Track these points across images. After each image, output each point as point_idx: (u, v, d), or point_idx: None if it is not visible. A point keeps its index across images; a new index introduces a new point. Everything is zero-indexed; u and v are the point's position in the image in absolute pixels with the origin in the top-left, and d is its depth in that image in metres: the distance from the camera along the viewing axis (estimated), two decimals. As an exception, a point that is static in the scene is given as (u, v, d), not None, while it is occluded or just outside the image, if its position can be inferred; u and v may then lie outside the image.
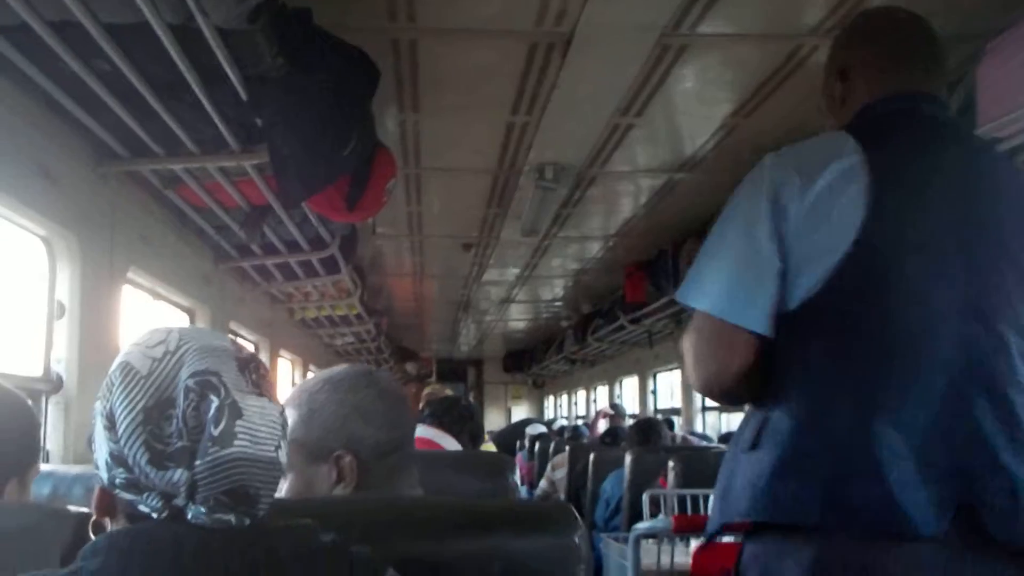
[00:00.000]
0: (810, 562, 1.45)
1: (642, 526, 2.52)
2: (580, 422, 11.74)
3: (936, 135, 1.68)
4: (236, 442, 0.97)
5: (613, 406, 9.89)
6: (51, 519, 1.26)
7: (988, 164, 1.69)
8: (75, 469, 2.48)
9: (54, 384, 3.24)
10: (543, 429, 9.99)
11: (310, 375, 3.34)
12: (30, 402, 3.00)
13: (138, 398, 1.01)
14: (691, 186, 5.46)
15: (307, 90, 2.76)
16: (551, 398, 18.63)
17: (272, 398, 1.05)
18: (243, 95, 2.82)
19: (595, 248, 7.43)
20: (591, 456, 5.73)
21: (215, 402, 0.99)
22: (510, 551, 1.26)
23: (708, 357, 1.61)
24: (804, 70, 3.63)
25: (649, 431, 5.10)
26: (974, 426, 1.43)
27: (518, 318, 12.56)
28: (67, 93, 2.83)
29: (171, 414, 0.99)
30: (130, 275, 3.93)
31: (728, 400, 1.77)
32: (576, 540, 1.28)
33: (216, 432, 0.97)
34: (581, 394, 15.50)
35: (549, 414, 17.97)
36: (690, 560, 2.64)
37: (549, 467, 6.50)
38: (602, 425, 8.87)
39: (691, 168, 5.09)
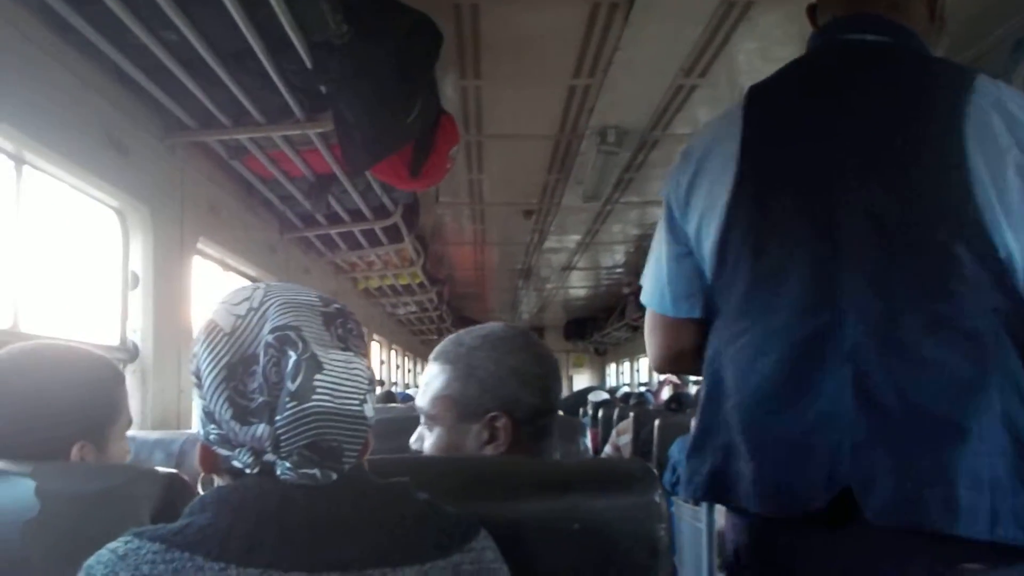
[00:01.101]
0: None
1: (717, 488, 2.50)
2: (643, 389, 11.69)
3: (851, 62, 1.56)
4: (314, 396, 0.97)
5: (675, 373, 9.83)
6: (141, 479, 1.28)
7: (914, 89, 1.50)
8: (155, 434, 2.54)
9: (131, 353, 3.32)
10: (606, 396, 9.97)
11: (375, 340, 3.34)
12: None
13: (221, 355, 1.01)
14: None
15: (371, 56, 2.76)
16: (613, 366, 18.60)
17: (360, 352, 1.05)
18: (308, 62, 2.83)
19: (657, 213, 7.32)
20: (656, 422, 5.70)
21: (293, 357, 0.99)
22: (589, 510, 1.24)
23: (653, 343, 1.71)
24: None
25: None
26: (843, 401, 1.39)
27: (579, 285, 12.53)
28: (136, 65, 2.87)
29: (254, 370, 1.00)
30: (199, 245, 3.99)
31: (685, 373, 1.86)
32: (656, 498, 1.26)
33: (293, 387, 0.97)
34: (643, 361, 15.44)
35: (611, 382, 17.95)
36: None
37: (614, 433, 6.49)
38: (666, 392, 8.83)
39: (755, 130, 4.99)
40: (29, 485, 1.26)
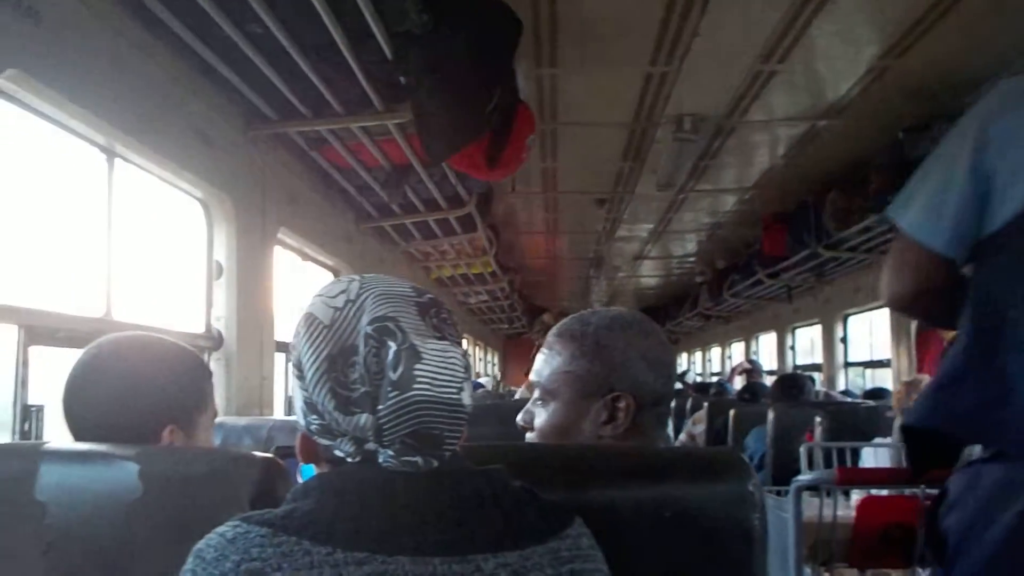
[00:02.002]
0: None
1: (804, 478, 2.47)
2: (715, 379, 11.59)
3: None
4: (415, 385, 0.99)
5: (750, 362, 9.73)
6: (239, 464, 1.30)
7: None
8: (243, 420, 2.60)
9: (215, 341, 3.39)
10: (679, 386, 9.91)
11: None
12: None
13: (322, 347, 1.03)
14: (834, 134, 5.26)
15: (451, 46, 2.78)
16: (684, 355, 18.45)
17: (455, 341, 1.06)
18: (388, 53, 2.85)
19: (731, 201, 7.27)
20: (731, 412, 5.66)
21: (392, 347, 1.00)
22: (682, 498, 1.24)
23: (895, 272, 1.64)
24: (965, 3, 3.43)
25: (794, 386, 4.98)
26: None
27: (650, 274, 12.44)
28: (220, 58, 2.93)
29: (354, 361, 1.01)
30: (280, 235, 4.06)
31: (918, 318, 1.77)
32: (750, 487, 1.25)
33: (395, 377, 0.99)
34: (715, 351, 15.30)
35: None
36: (852, 513, 2.59)
37: (689, 422, 6.44)
38: (738, 382, 8.74)
39: (835, 115, 4.91)
40: (133, 468, 1.30)
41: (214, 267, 3.43)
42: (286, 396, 4.43)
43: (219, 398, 3.24)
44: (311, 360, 1.03)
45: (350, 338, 1.02)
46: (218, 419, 2.37)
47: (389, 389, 0.98)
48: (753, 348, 12.19)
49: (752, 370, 8.86)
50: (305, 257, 4.80)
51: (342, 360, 1.02)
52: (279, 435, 2.45)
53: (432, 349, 1.01)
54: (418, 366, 0.99)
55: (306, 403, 1.04)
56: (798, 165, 5.96)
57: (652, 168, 5.84)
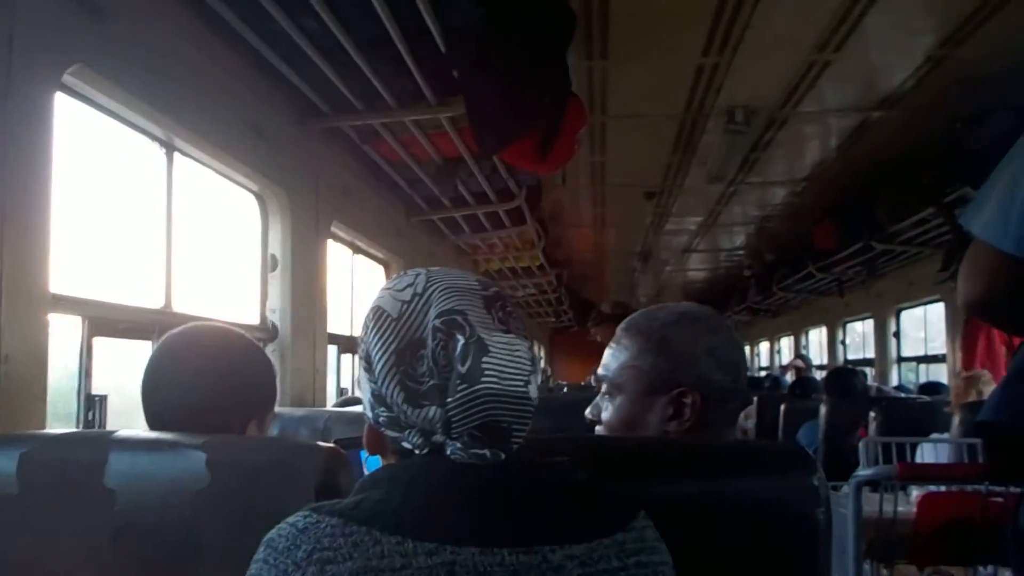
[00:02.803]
0: None
1: (864, 473, 2.44)
2: (763, 373, 11.49)
3: None
4: (483, 379, 0.99)
5: (800, 357, 9.64)
6: (303, 453, 1.31)
7: None
8: (300, 411, 2.63)
9: (270, 332, 3.43)
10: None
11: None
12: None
13: (390, 340, 1.04)
14: (888, 125, 5.17)
15: (505, 39, 2.77)
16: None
17: (521, 334, 1.06)
18: (442, 47, 2.86)
19: (782, 194, 7.18)
20: (781, 407, 5.61)
21: (461, 340, 1.00)
22: (746, 492, 1.23)
23: (968, 276, 1.62)
24: (1026, -9, 3.36)
25: (848, 382, 4.92)
26: None
27: (698, 268, 12.35)
28: (275, 52, 2.95)
29: (422, 354, 1.02)
30: (332, 228, 4.10)
31: (993, 323, 1.75)
32: (815, 482, 1.24)
33: (463, 370, 0.99)
34: (764, 346, 15.17)
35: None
36: (912, 509, 2.55)
37: (741, 416, 6.41)
38: (789, 376, 8.66)
39: (889, 106, 4.82)
40: (200, 457, 1.32)
41: (269, 260, 3.47)
42: (338, 388, 4.47)
43: (274, 390, 3.29)
44: (380, 353, 1.04)
45: (418, 331, 1.03)
46: (276, 410, 2.40)
47: (458, 382, 0.99)
48: (802, 343, 12.06)
49: (802, 365, 8.78)
50: (356, 250, 4.84)
51: (410, 353, 1.02)
52: (336, 426, 2.48)
53: (499, 342, 1.01)
54: (486, 359, 1.00)
55: (374, 396, 1.05)
56: (850, 157, 5.87)
57: (702, 160, 5.79)
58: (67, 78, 2.18)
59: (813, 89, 4.56)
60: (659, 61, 4.17)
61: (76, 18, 2.16)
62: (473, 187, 4.93)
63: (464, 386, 0.98)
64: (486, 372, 0.99)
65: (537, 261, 7.71)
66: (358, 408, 3.55)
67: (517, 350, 1.03)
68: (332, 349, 4.19)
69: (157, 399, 1.58)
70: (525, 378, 1.02)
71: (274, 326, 3.45)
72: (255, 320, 3.44)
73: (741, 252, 10.57)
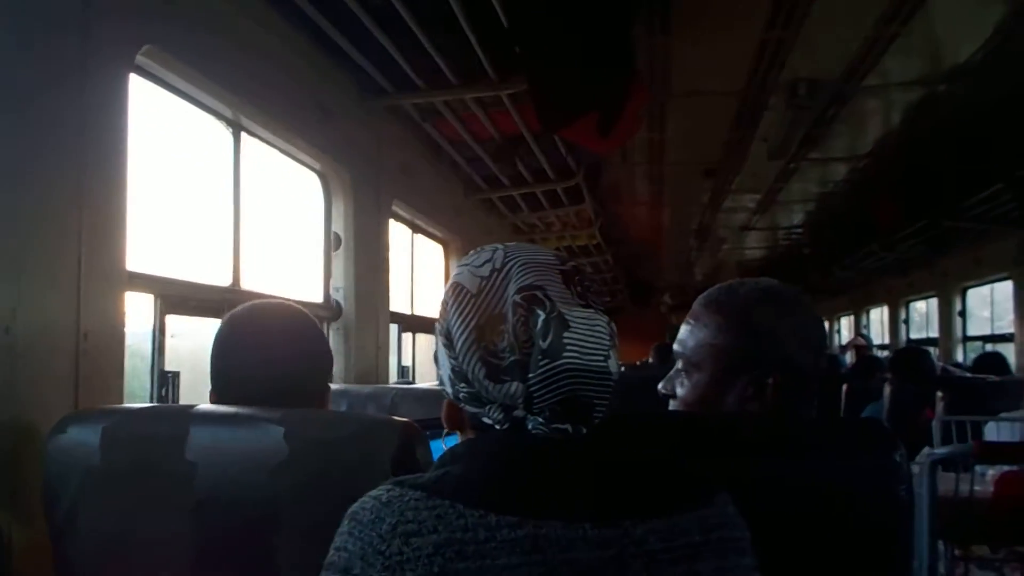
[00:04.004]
0: None
1: (939, 451, 2.39)
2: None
3: None
4: (565, 354, 0.98)
5: (861, 336, 9.50)
6: (380, 426, 1.32)
7: None
8: (367, 388, 2.65)
9: (334, 311, 3.47)
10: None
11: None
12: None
13: (470, 316, 1.04)
14: (955, 100, 5.05)
15: (569, 14, 2.76)
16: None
17: (599, 308, 1.06)
18: (504, 22, 2.85)
19: (843, 170, 7.06)
20: (843, 387, 5.53)
21: (541, 316, 1.00)
22: (827, 469, 1.22)
23: None
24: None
25: (917, 361, 4.82)
26: None
27: (755, 246, 12.20)
28: (340, 30, 2.96)
29: (502, 329, 1.01)
30: (393, 207, 4.12)
31: None
32: (897, 459, 1.22)
33: (545, 345, 0.98)
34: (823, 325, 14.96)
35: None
36: (990, 488, 2.50)
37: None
38: (848, 356, 8.55)
39: (956, 79, 4.71)
40: (278, 431, 1.33)
41: (332, 238, 3.50)
42: (399, 366, 4.51)
43: (339, 367, 3.34)
44: (460, 329, 1.04)
45: (498, 307, 1.02)
46: (342, 387, 2.43)
47: (539, 357, 0.98)
48: (863, 322, 11.89)
49: (863, 344, 8.66)
50: (416, 229, 4.86)
51: (490, 329, 1.02)
52: (402, 403, 2.50)
53: (578, 317, 1.01)
54: (566, 334, 0.99)
55: (454, 371, 1.05)
56: (915, 132, 5.75)
57: (763, 137, 5.71)
58: (139, 59, 2.21)
59: (878, 63, 4.46)
60: (721, 36, 4.11)
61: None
62: (532, 165, 4.92)
63: (546, 361, 0.98)
64: (567, 347, 0.99)
65: (594, 240, 7.69)
66: (423, 385, 3.59)
67: (597, 324, 1.02)
68: (394, 328, 4.22)
69: (230, 374, 1.59)
70: (605, 352, 1.02)
71: (338, 304, 3.48)
72: (319, 298, 3.48)
73: (800, 230, 10.42)
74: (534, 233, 7.17)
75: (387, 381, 3.90)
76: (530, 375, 0.98)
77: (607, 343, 1.03)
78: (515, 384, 1.00)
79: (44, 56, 1.83)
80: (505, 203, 5.89)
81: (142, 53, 2.19)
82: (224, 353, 1.60)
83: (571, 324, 1.00)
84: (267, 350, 1.60)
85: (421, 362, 5.03)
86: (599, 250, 8.37)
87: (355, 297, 3.51)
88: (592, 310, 1.03)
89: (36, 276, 1.78)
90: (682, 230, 10.21)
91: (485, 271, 1.06)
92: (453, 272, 1.11)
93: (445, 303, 1.08)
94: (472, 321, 1.03)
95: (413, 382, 4.46)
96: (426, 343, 5.19)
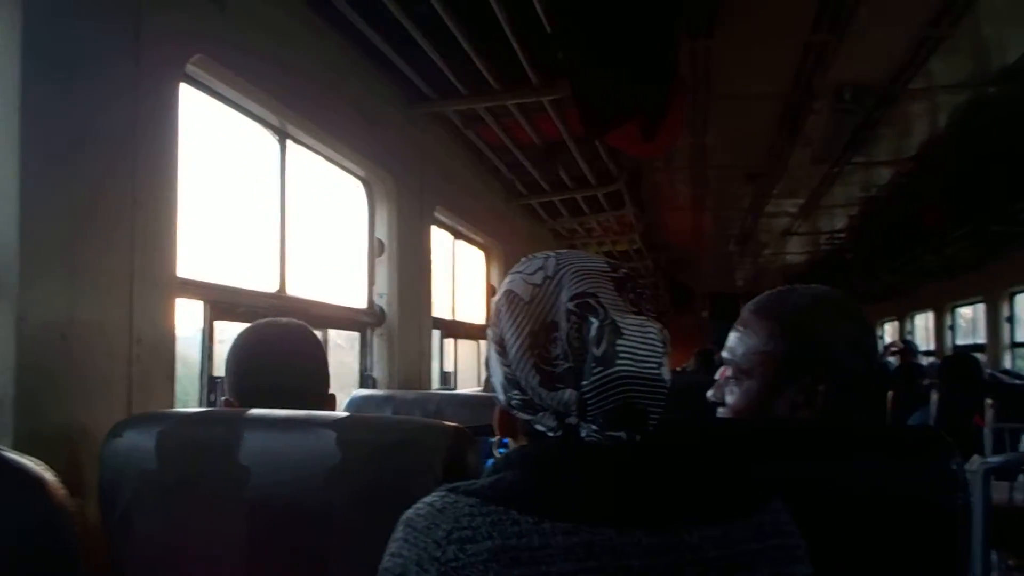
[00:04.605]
0: None
1: (995, 460, 2.35)
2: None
3: None
4: (618, 361, 0.98)
5: (905, 342, 9.38)
6: (432, 431, 1.33)
7: None
8: (411, 394, 2.67)
9: (377, 317, 3.49)
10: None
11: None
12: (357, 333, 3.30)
13: (524, 324, 1.04)
14: (1003, 102, 4.97)
15: (612, 18, 2.75)
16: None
17: (652, 316, 1.05)
18: (547, 28, 2.85)
19: (888, 174, 6.96)
20: (889, 394, 5.46)
21: (595, 323, 1.00)
22: (882, 476, 1.20)
23: None
24: None
25: (966, 367, 4.75)
26: None
27: (797, 251, 12.08)
28: (384, 38, 2.98)
29: (555, 337, 1.01)
30: (436, 214, 4.14)
31: None
32: (953, 467, 1.20)
33: (598, 352, 0.98)
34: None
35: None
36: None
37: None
38: (892, 360, 8.44)
39: (1005, 81, 4.63)
40: (331, 435, 1.34)
41: (376, 244, 3.52)
42: (441, 372, 4.52)
43: (382, 372, 3.36)
44: (514, 336, 1.04)
45: (550, 314, 1.03)
46: (387, 392, 2.45)
47: (593, 365, 0.98)
48: (907, 328, 11.73)
49: (906, 350, 8.54)
50: (457, 235, 4.88)
51: (544, 336, 1.02)
52: (447, 408, 2.51)
53: (631, 324, 1.01)
54: (620, 341, 0.99)
55: (507, 379, 1.05)
56: (963, 135, 5.66)
57: (806, 141, 5.66)
58: (189, 68, 2.24)
59: (926, 65, 4.40)
60: (765, 39, 4.08)
61: (197, 8, 2.22)
62: (573, 170, 4.92)
63: (599, 369, 0.98)
64: (620, 355, 0.99)
65: (635, 245, 7.66)
66: (467, 391, 3.60)
67: (649, 332, 1.02)
68: (435, 333, 4.24)
69: (251, 383, 1.75)
70: (658, 360, 1.02)
71: (381, 310, 3.50)
72: (363, 304, 3.50)
73: (843, 235, 10.30)
74: (574, 238, 7.16)
75: (429, 386, 3.91)
76: (583, 382, 0.99)
77: (660, 350, 1.02)
78: (568, 391, 1.00)
79: (98, 66, 1.86)
80: (546, 208, 5.89)
81: (192, 62, 2.22)
82: (243, 366, 1.78)
83: (624, 331, 1.00)
84: (286, 355, 1.79)
85: (462, 368, 5.05)
86: (640, 255, 8.33)
87: (398, 303, 3.53)
88: (645, 317, 1.03)
89: (90, 282, 1.81)
90: (723, 235, 10.14)
91: (538, 278, 1.07)
92: (505, 279, 1.12)
93: (498, 311, 1.08)
94: (525, 328, 1.04)
95: (455, 387, 4.46)
96: (467, 349, 5.20)
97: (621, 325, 1.00)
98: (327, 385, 1.87)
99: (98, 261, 1.85)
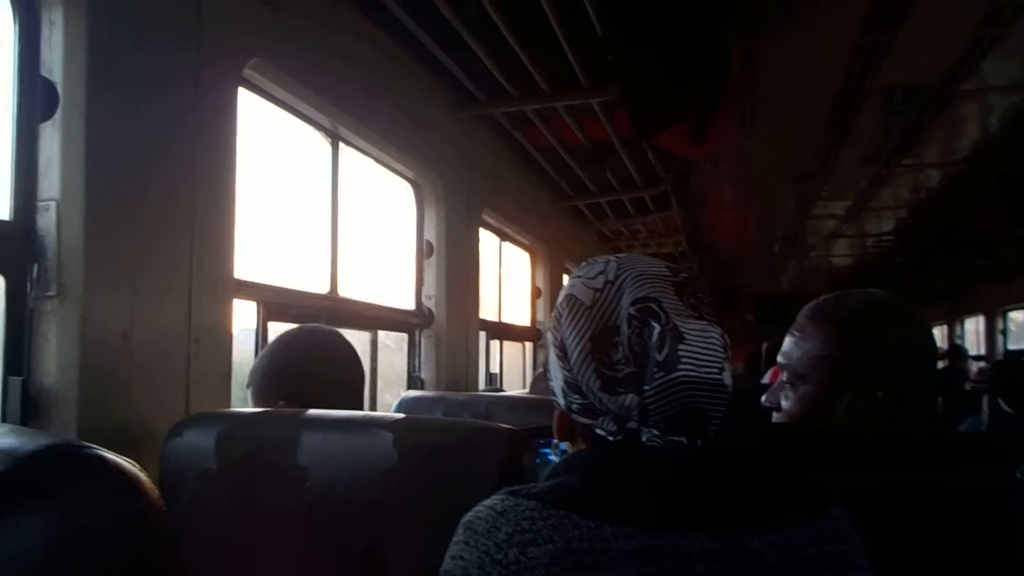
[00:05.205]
0: None
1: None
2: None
3: None
4: (680, 366, 0.98)
5: (953, 346, 9.23)
6: (487, 433, 1.33)
7: None
8: (462, 396, 2.68)
9: (426, 318, 3.51)
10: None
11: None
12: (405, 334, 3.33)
13: (585, 328, 1.04)
14: (1059, 101, 4.89)
15: (662, 19, 2.75)
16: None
17: (713, 320, 1.05)
18: (598, 28, 2.85)
19: (938, 176, 6.86)
20: (939, 399, 5.38)
21: (657, 328, 0.99)
22: (943, 483, 1.19)
23: None
24: None
25: (1019, 373, 4.65)
26: None
27: (844, 254, 11.92)
28: (434, 40, 3.00)
29: (617, 341, 1.01)
30: (483, 216, 4.15)
31: None
32: (1017, 475, 1.19)
33: (660, 357, 0.98)
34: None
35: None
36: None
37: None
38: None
39: (1060, 81, 4.56)
40: (388, 437, 1.35)
41: (424, 246, 3.54)
42: (487, 373, 4.53)
43: (430, 374, 3.37)
44: (575, 341, 1.04)
45: (611, 318, 1.03)
46: (437, 394, 2.47)
47: (655, 370, 0.98)
48: (957, 332, 11.55)
49: (955, 354, 8.40)
50: (503, 237, 4.89)
51: (605, 340, 1.02)
52: (497, 410, 2.51)
53: (693, 329, 1.01)
54: (681, 347, 0.99)
55: (567, 383, 1.06)
56: (1015, 136, 5.57)
57: (855, 142, 5.59)
58: (246, 71, 2.27)
59: (979, 65, 4.34)
60: (815, 40, 4.04)
61: (254, 13, 2.25)
62: (620, 172, 4.91)
63: (662, 374, 0.98)
64: (682, 360, 0.98)
65: (680, 247, 7.63)
66: (515, 393, 3.60)
67: (711, 337, 1.02)
68: (481, 335, 4.25)
69: (292, 385, 1.79)
70: (720, 365, 1.01)
71: (430, 312, 3.52)
72: (411, 305, 3.52)
73: (891, 237, 10.16)
74: (619, 240, 7.14)
75: (476, 388, 3.93)
76: (645, 387, 0.99)
77: (721, 355, 1.02)
78: (630, 396, 1.00)
79: (160, 76, 1.90)
80: (591, 210, 5.89)
81: (249, 67, 2.26)
82: (284, 369, 1.82)
83: (686, 336, 1.00)
84: (326, 357, 1.86)
85: (508, 369, 5.06)
86: (685, 258, 8.29)
87: (446, 304, 3.55)
88: (706, 322, 1.03)
89: (152, 284, 1.85)
90: (769, 237, 10.04)
91: (598, 283, 1.07)
92: (566, 284, 1.12)
93: (559, 315, 1.09)
94: (587, 333, 1.04)
95: (502, 389, 4.47)
96: (513, 351, 5.21)
97: (683, 330, 1.00)
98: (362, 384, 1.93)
99: (159, 264, 1.88)
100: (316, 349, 1.85)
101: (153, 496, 0.68)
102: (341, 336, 1.91)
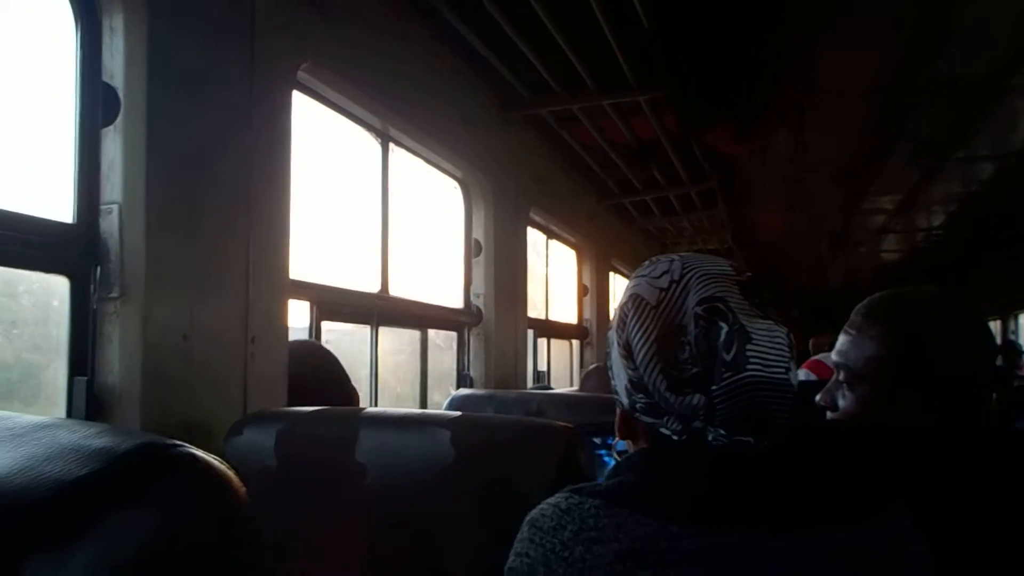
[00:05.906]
0: None
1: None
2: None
3: None
4: (748, 366, 0.98)
5: (1007, 342, 9.07)
6: (545, 431, 1.34)
7: None
8: (512, 394, 2.68)
9: (475, 316, 3.52)
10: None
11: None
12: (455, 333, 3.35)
13: (651, 328, 1.04)
14: (1119, 91, 4.77)
15: (711, 13, 2.73)
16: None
17: (779, 320, 1.05)
18: (645, 23, 2.84)
19: (991, 169, 6.74)
20: (992, 395, 5.29)
21: (724, 328, 0.99)
22: (1006, 485, 1.18)
23: None
24: None
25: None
26: None
27: (893, 250, 11.74)
28: (482, 40, 3.01)
29: (683, 341, 1.01)
30: (531, 214, 4.16)
31: None
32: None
33: (728, 357, 0.98)
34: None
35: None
36: None
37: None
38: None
39: (1121, 70, 4.44)
40: (445, 435, 1.36)
41: (473, 245, 3.56)
42: (535, 371, 4.54)
43: (479, 371, 3.39)
44: (641, 341, 1.04)
45: (677, 318, 1.03)
46: (488, 392, 2.48)
47: (723, 370, 0.98)
48: (1011, 327, 11.34)
49: (1009, 351, 8.26)
50: (550, 235, 4.89)
51: (671, 340, 1.02)
52: (547, 408, 2.51)
53: (759, 329, 1.00)
54: (749, 346, 0.98)
55: (632, 382, 1.05)
56: (1073, 127, 5.46)
57: (905, 136, 5.51)
58: (299, 74, 2.30)
59: (1033, 58, 4.26)
60: (866, 32, 3.98)
61: (305, 17, 2.27)
62: (666, 169, 4.89)
63: (729, 374, 0.98)
64: (750, 360, 0.98)
65: (725, 244, 7.57)
66: (564, 390, 3.60)
67: (777, 336, 1.01)
68: (529, 333, 4.26)
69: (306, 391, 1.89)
70: (786, 364, 1.01)
71: (478, 310, 3.54)
72: (459, 304, 3.54)
73: (941, 232, 10.00)
74: (665, 238, 7.11)
75: (525, 386, 3.93)
76: (713, 387, 0.98)
77: (787, 355, 1.02)
78: (697, 396, 1.00)
79: (217, 80, 1.93)
80: (637, 208, 5.86)
81: (302, 69, 2.28)
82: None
83: (753, 336, 0.99)
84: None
85: (555, 367, 5.06)
86: (730, 254, 8.23)
87: (494, 302, 3.56)
88: (771, 322, 1.03)
89: (210, 284, 1.88)
90: (816, 233, 9.92)
91: (663, 282, 1.06)
92: (630, 283, 1.12)
93: (623, 314, 1.09)
94: (653, 333, 1.04)
95: (550, 387, 4.48)
96: (560, 348, 5.21)
97: (750, 330, 1.00)
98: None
99: (217, 265, 1.91)
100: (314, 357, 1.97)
101: (242, 494, 0.69)
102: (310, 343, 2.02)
